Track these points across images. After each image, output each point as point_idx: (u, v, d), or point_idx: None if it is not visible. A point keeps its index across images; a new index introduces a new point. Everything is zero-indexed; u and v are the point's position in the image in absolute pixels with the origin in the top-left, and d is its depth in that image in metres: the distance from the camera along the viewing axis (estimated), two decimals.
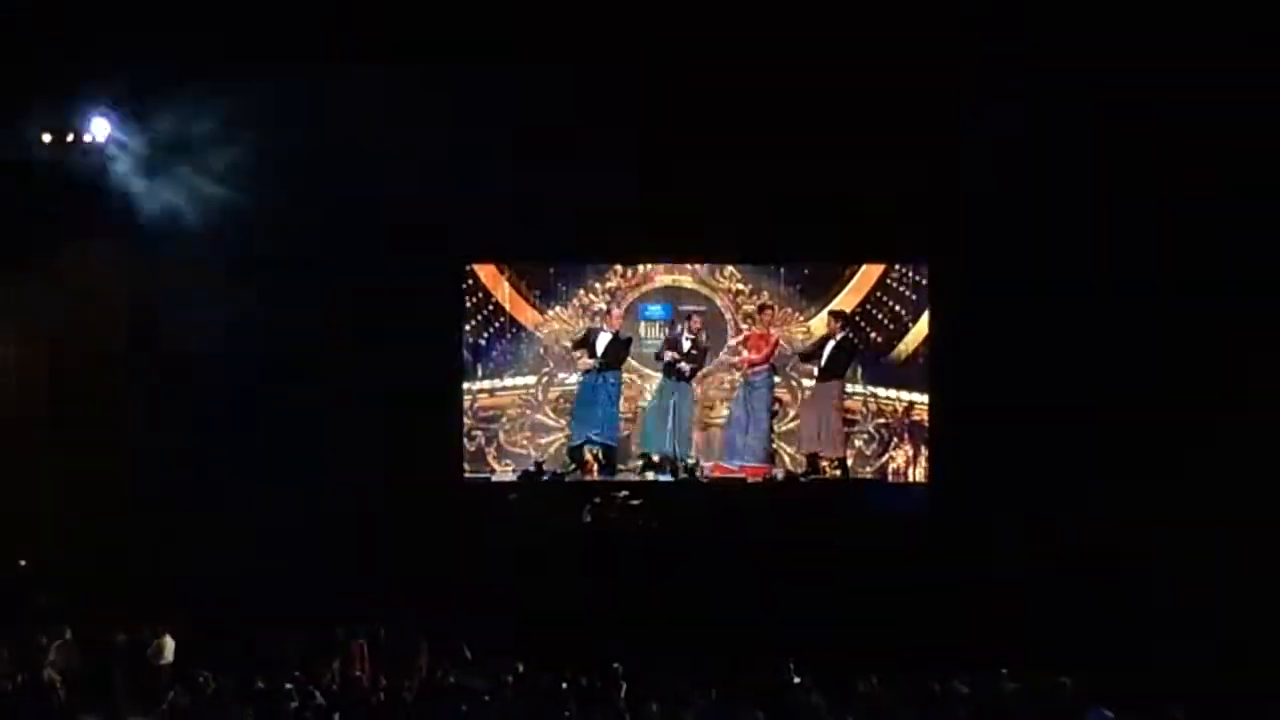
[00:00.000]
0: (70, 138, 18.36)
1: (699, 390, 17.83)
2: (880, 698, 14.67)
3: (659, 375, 17.73)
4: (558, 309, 18.26)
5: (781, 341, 17.47)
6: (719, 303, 17.62)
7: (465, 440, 18.60)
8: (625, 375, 18.08)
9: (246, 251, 18.79)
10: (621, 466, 17.94)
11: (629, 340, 17.77)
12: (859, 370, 18.04)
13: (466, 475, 18.65)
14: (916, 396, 17.69)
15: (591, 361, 17.84)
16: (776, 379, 17.61)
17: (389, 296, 18.94)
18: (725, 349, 17.54)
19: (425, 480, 19.08)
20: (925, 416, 17.85)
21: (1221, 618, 16.98)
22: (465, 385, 18.42)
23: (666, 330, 17.36)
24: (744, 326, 17.57)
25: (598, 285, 18.27)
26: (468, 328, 18.62)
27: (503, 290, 18.56)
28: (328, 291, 18.90)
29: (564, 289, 18.10)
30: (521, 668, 15.47)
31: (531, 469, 18.72)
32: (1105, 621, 17.01)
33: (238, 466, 18.61)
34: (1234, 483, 17.75)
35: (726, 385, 17.81)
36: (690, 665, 15.61)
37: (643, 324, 18.18)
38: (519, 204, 18.48)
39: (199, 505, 18.47)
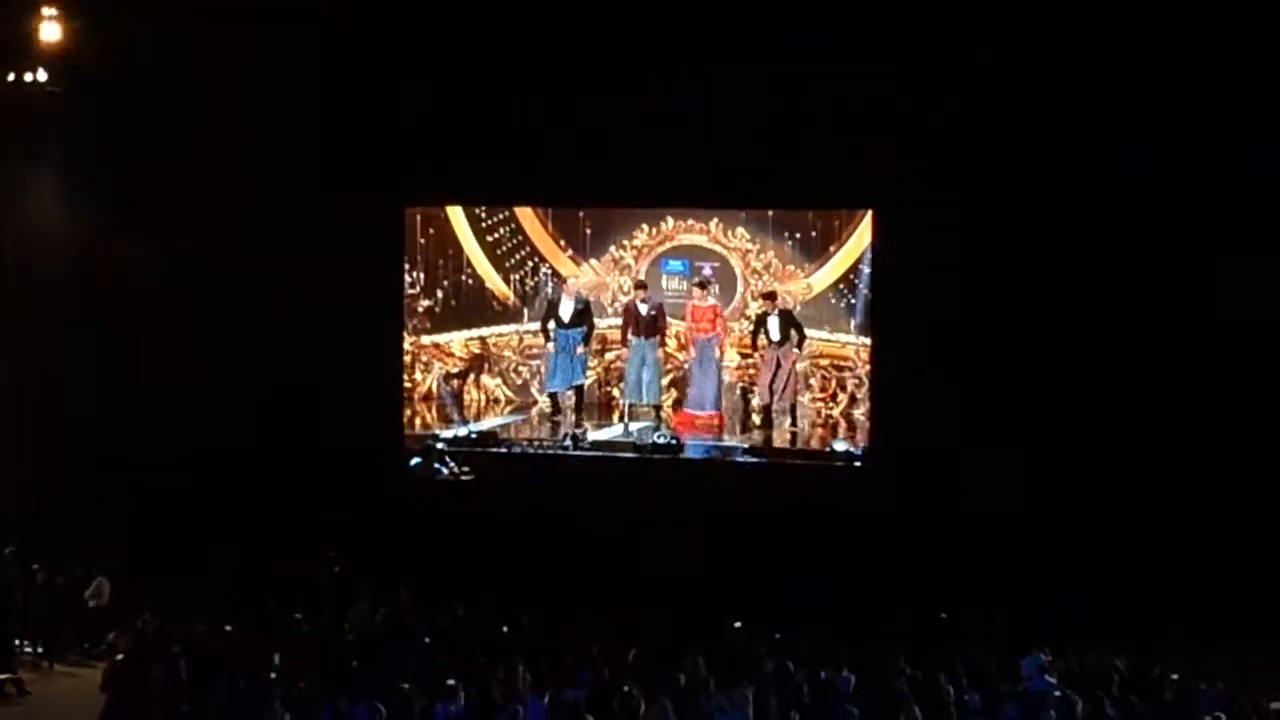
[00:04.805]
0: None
1: (661, 353, 19.67)
2: (818, 639, 14.78)
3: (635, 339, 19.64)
4: (592, 261, 20.00)
5: (729, 322, 19.56)
6: (731, 260, 19.46)
7: (512, 375, 20.41)
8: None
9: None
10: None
11: (588, 303, 19.68)
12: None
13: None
14: (844, 336, 19.38)
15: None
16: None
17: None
18: (737, 297, 19.54)
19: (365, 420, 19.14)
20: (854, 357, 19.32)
21: (1156, 569, 17.20)
22: (515, 328, 20.15)
23: (683, 283, 19.48)
24: (751, 280, 19.46)
25: (626, 242, 19.96)
26: (516, 277, 20.09)
27: (546, 243, 20.04)
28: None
29: (597, 243, 19.86)
30: (462, 611, 15.51)
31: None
32: (1044, 568, 17.17)
33: (174, 405, 18.46)
34: (1174, 440, 17.83)
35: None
36: (632, 611, 15.70)
37: (664, 276, 19.78)
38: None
39: (136, 445, 18.31)
